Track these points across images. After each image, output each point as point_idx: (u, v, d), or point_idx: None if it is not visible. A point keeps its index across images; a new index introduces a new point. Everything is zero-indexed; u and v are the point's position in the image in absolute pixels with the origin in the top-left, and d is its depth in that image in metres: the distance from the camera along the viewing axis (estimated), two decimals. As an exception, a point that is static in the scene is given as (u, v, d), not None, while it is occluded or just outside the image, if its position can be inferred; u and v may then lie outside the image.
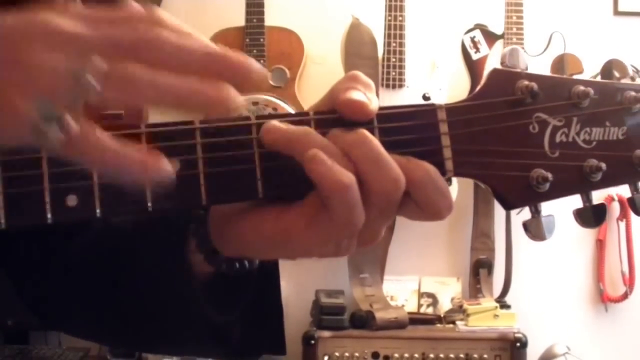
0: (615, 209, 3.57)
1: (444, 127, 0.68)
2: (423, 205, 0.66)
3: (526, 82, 0.69)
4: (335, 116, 0.67)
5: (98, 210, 0.63)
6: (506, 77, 0.70)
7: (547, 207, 0.72)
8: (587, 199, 0.72)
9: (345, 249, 0.68)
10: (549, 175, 0.69)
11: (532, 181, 0.69)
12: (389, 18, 3.42)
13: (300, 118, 0.67)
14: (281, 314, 0.84)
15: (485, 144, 0.69)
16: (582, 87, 0.70)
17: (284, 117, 0.67)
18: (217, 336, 0.82)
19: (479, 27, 3.55)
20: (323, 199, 0.64)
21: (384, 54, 3.44)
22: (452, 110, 0.69)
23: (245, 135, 0.66)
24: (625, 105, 0.71)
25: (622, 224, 3.60)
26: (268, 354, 0.86)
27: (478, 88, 0.70)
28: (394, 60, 3.43)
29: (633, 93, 0.71)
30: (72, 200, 0.62)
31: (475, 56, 3.53)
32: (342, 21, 3.48)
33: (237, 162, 0.66)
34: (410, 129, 0.68)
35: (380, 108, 0.68)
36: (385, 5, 3.42)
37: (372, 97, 0.67)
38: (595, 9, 3.63)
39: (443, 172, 0.68)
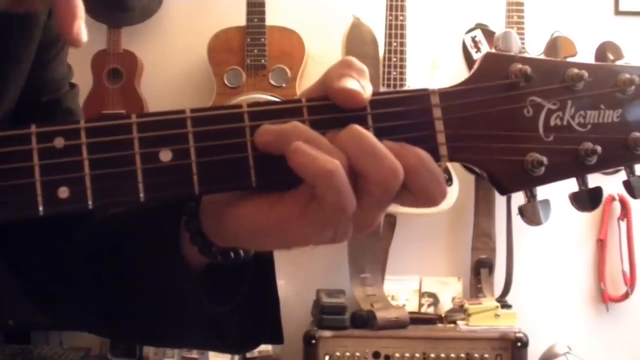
0: (616, 208, 3.57)
1: (437, 112, 0.68)
2: (417, 192, 0.66)
3: (520, 66, 0.69)
4: (328, 103, 0.67)
5: (90, 202, 0.63)
6: (500, 61, 0.70)
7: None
8: (582, 182, 0.71)
9: (341, 235, 0.67)
10: (544, 159, 0.68)
11: (527, 165, 0.69)
12: (390, 17, 3.42)
13: (293, 105, 0.67)
14: (277, 303, 0.83)
15: (480, 129, 0.68)
16: (576, 70, 0.70)
17: (276, 104, 0.67)
18: (215, 328, 0.82)
19: (480, 26, 3.55)
20: (312, 188, 0.64)
21: (384, 53, 3.43)
22: (446, 95, 0.68)
23: (237, 123, 0.66)
24: (620, 87, 0.71)
25: (623, 224, 3.59)
26: (266, 344, 0.86)
27: (471, 72, 0.70)
28: (394, 59, 3.43)
29: (627, 75, 0.71)
30: (63, 192, 0.62)
31: (476, 56, 3.53)
32: (343, 21, 3.48)
33: (229, 150, 0.65)
34: (403, 115, 0.67)
35: (374, 94, 0.67)
36: (386, 5, 3.42)
37: (365, 85, 0.67)
38: (596, 9, 3.63)
39: (437, 158, 0.67)
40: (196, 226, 0.74)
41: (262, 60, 3.52)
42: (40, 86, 0.93)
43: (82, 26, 0.63)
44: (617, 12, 3.65)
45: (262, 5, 3.51)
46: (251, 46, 3.52)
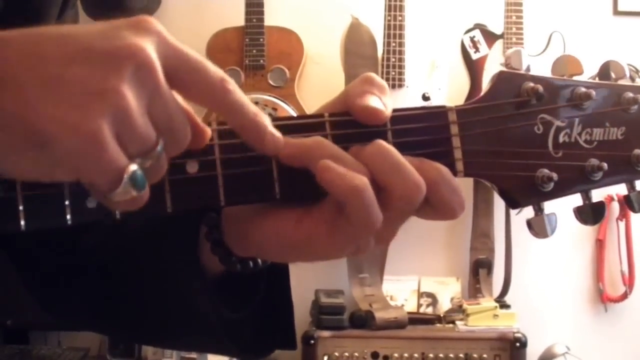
0: (615, 208, 3.57)
1: (454, 129, 0.70)
2: (437, 205, 0.68)
3: (532, 84, 0.71)
4: (349, 118, 0.68)
5: (117, 212, 0.63)
6: (512, 79, 0.72)
7: (548, 205, 0.74)
8: (586, 197, 0.74)
9: (363, 249, 0.69)
10: (554, 175, 0.71)
11: (538, 180, 0.71)
12: (389, 18, 3.42)
13: (315, 120, 0.68)
14: (291, 309, 0.85)
15: (494, 145, 0.71)
16: (583, 89, 0.72)
17: (299, 118, 0.69)
18: (229, 333, 0.82)
19: (479, 26, 3.55)
20: (340, 204, 0.65)
21: (383, 53, 3.44)
22: (462, 112, 0.71)
23: None
24: (624, 106, 0.73)
25: (622, 224, 3.60)
26: (279, 349, 0.87)
27: (486, 90, 0.72)
28: (393, 60, 3.43)
29: (631, 94, 0.73)
30: (91, 202, 0.62)
31: (474, 56, 3.53)
32: (341, 21, 3.48)
33: (254, 163, 0.66)
34: (422, 131, 0.70)
35: (393, 110, 0.69)
36: (385, 5, 3.42)
37: (387, 102, 0.69)
38: (594, 9, 3.63)
39: (454, 173, 0.69)
40: (218, 237, 0.75)
41: (261, 61, 3.52)
42: None
43: (274, 134, 0.64)
44: (616, 12, 3.65)
45: (261, 5, 3.51)
46: (250, 46, 3.52)
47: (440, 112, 0.70)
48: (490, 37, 3.53)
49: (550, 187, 0.71)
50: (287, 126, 0.67)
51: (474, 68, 3.53)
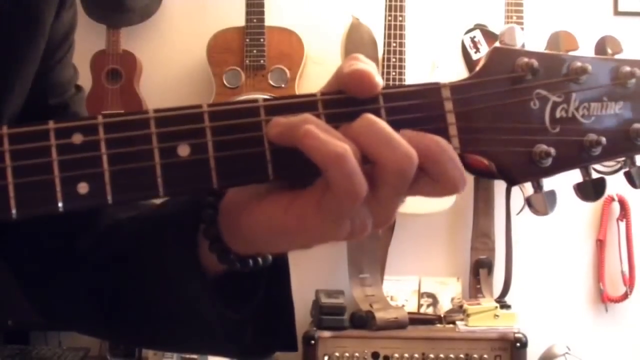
0: (615, 209, 3.58)
1: (448, 105, 0.69)
2: (438, 177, 0.66)
3: (526, 59, 0.71)
4: (342, 96, 0.67)
5: (109, 197, 0.63)
6: (506, 55, 0.71)
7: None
8: (586, 173, 0.72)
9: (360, 228, 0.67)
10: (552, 151, 0.69)
11: (535, 156, 0.70)
12: (389, 18, 3.42)
13: (307, 99, 0.67)
14: (292, 310, 0.83)
15: (489, 121, 0.69)
16: (579, 63, 0.71)
17: (291, 98, 0.68)
18: (229, 334, 0.82)
19: (479, 27, 3.56)
20: (323, 174, 0.64)
21: (384, 54, 3.44)
22: (456, 88, 0.70)
23: (254, 117, 0.66)
24: (621, 80, 0.72)
25: (622, 224, 3.59)
26: (280, 351, 0.86)
27: (479, 66, 0.71)
28: (394, 60, 3.43)
29: (628, 68, 0.73)
30: (83, 188, 0.62)
31: (475, 56, 3.53)
32: (342, 21, 3.48)
33: (247, 144, 0.66)
34: (415, 108, 0.68)
35: (385, 88, 0.68)
36: (386, 5, 3.42)
37: (375, 72, 0.68)
38: (595, 9, 3.63)
39: None
40: (215, 233, 0.74)
41: (261, 61, 3.52)
42: (47, 90, 0.92)
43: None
44: (617, 13, 3.66)
45: (261, 5, 3.52)
46: (250, 47, 3.52)
47: (434, 89, 0.69)
48: (491, 37, 3.53)
49: (548, 162, 0.70)
50: (280, 106, 0.67)
51: (474, 68, 3.50)
